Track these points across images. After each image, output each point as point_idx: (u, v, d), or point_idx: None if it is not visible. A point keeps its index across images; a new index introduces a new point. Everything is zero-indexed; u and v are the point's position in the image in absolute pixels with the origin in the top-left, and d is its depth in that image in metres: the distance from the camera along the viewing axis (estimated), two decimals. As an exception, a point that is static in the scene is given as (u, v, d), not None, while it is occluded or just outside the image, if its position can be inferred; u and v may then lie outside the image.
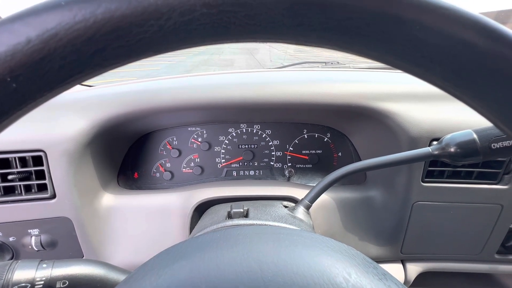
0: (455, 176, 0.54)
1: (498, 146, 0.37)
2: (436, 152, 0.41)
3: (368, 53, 0.14)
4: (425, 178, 0.54)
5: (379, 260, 0.62)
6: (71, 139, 0.50)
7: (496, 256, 0.60)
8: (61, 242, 0.55)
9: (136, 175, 0.70)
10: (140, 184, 0.69)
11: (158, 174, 0.70)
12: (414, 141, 0.52)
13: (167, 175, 0.69)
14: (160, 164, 0.70)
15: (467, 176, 0.54)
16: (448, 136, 0.41)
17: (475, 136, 0.39)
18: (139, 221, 0.58)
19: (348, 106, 0.55)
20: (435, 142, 0.52)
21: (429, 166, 0.53)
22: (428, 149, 0.42)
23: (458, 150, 0.39)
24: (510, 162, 0.53)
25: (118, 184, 0.66)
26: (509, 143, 0.37)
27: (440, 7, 0.12)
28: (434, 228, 0.58)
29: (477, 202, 0.55)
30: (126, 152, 0.68)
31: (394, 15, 0.13)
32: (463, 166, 0.53)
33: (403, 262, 0.63)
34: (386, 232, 0.60)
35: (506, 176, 0.53)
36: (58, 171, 0.50)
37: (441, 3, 0.13)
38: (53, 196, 0.52)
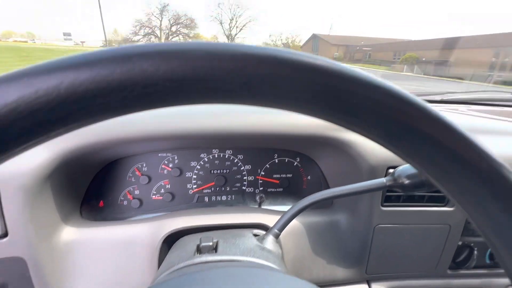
0: (410, 200, 0.60)
1: None
2: (389, 183, 0.45)
3: (320, 116, 0.17)
4: (384, 202, 0.59)
5: (347, 281, 0.64)
6: (28, 173, 0.47)
7: (449, 272, 0.66)
8: (12, 285, 0.50)
9: (101, 203, 0.66)
10: (106, 214, 0.66)
11: (125, 202, 0.68)
12: (373, 169, 0.57)
13: (136, 203, 0.67)
14: (128, 191, 0.67)
15: (420, 200, 0.60)
16: (400, 168, 0.46)
17: None
18: (103, 256, 0.55)
19: (314, 136, 0.59)
20: (391, 170, 0.57)
21: (387, 192, 0.58)
22: (382, 180, 0.46)
23: (407, 181, 0.44)
24: None
25: (81, 215, 0.62)
26: None
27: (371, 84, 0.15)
28: (394, 248, 0.62)
29: (429, 223, 0.61)
30: (91, 180, 0.65)
31: (334, 89, 0.15)
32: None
33: (368, 282, 0.66)
34: (352, 254, 0.63)
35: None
36: (11, 207, 0.47)
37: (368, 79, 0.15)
38: (5, 234, 0.48)
